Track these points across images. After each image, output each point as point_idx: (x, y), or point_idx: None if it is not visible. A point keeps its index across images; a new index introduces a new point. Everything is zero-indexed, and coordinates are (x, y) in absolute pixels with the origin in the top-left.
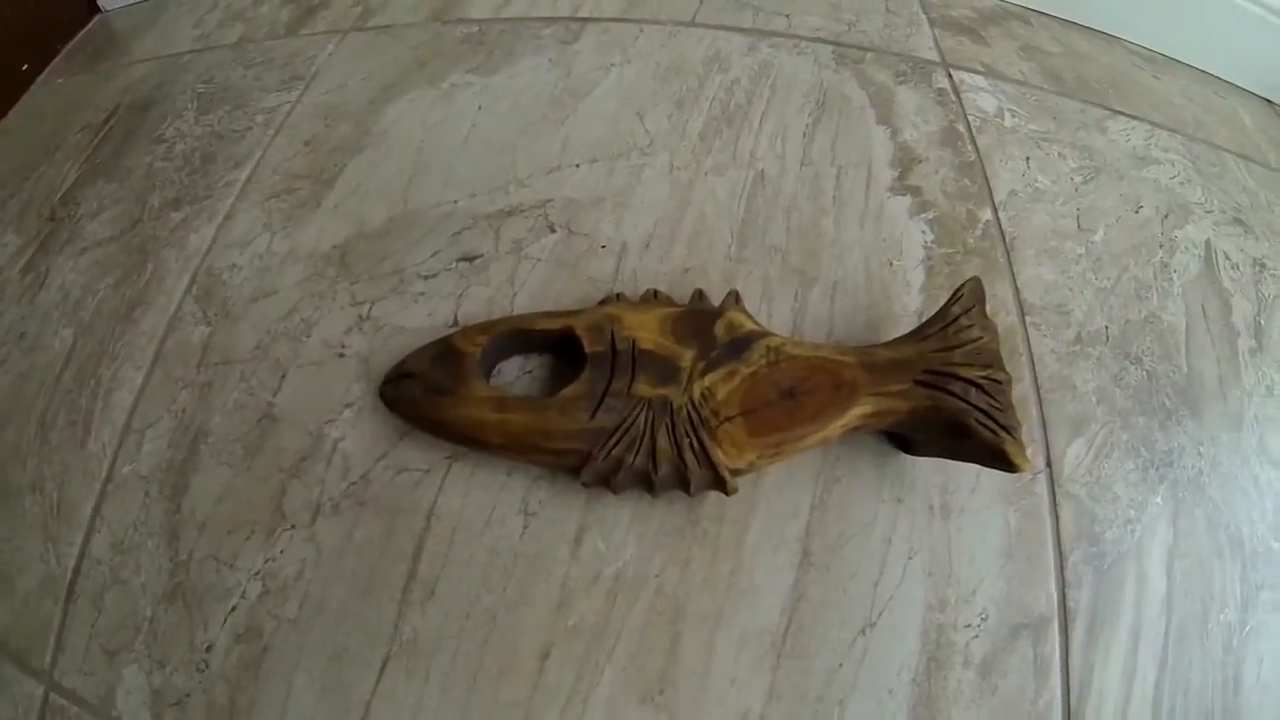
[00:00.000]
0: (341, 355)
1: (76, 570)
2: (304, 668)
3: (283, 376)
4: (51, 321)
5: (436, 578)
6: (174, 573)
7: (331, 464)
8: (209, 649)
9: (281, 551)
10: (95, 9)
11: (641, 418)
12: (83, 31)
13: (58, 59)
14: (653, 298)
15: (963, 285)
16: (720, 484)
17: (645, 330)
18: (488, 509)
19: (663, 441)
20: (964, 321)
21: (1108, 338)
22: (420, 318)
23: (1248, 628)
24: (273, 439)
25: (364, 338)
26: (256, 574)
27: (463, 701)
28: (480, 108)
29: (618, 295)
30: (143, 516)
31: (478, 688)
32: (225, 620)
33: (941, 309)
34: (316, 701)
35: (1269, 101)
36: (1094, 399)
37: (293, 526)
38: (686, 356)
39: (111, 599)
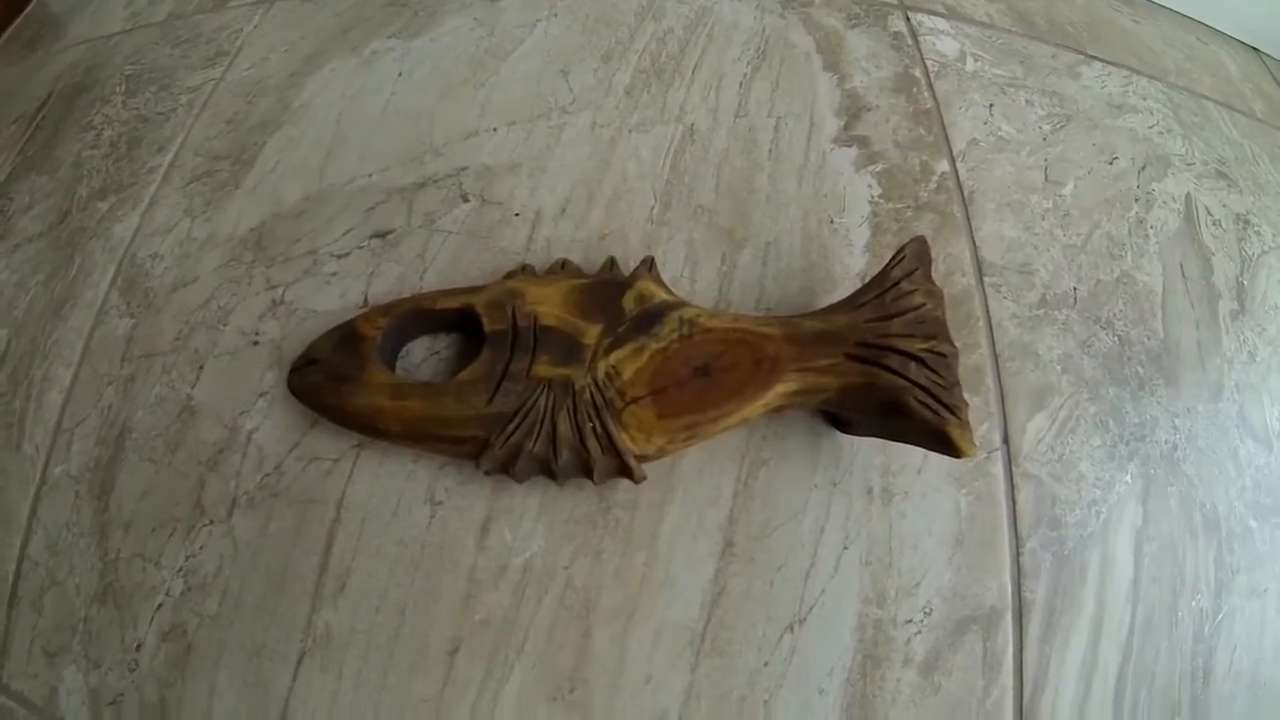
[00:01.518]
0: (255, 343)
1: (18, 573)
2: (225, 665)
3: (201, 367)
4: None
5: (347, 570)
6: (104, 572)
7: (247, 456)
8: (139, 648)
9: (201, 548)
10: None
11: (541, 401)
12: (21, 16)
13: None
14: (560, 269)
15: (905, 246)
16: (626, 471)
17: (548, 305)
18: (395, 498)
19: (563, 426)
20: (905, 286)
21: (1076, 300)
22: (332, 299)
23: (1221, 614)
24: (191, 432)
25: (277, 323)
26: (179, 571)
27: (375, 698)
28: (400, 74)
29: (523, 267)
30: (74, 517)
31: (389, 683)
32: (152, 619)
33: (880, 273)
34: (238, 698)
35: (1255, 49)
36: (1059, 368)
37: (211, 521)
38: (591, 332)
39: (50, 601)
